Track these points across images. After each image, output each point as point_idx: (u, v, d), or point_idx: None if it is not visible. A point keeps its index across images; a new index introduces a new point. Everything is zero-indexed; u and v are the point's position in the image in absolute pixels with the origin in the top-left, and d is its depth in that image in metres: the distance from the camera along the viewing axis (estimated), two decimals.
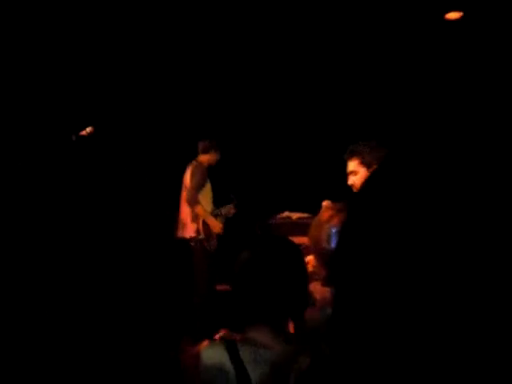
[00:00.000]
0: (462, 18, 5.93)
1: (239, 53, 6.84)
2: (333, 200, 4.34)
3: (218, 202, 6.20)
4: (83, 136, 5.35)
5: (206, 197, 5.99)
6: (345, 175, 4.15)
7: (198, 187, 5.92)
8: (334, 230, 2.90)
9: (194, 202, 5.89)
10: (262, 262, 1.94)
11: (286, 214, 6.15)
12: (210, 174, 6.14)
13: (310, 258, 2.90)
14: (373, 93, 6.66)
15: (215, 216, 6.02)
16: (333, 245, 2.85)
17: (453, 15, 5.84)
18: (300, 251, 2.11)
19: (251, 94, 7.21)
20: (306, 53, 6.76)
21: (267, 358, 1.79)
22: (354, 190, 4.11)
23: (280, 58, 6.89)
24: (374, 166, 3.87)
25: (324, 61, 6.81)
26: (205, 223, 5.91)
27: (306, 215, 5.80)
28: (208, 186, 6.04)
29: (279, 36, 6.54)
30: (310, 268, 2.91)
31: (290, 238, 2.31)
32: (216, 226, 5.93)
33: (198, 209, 5.87)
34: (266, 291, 1.91)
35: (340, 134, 6.28)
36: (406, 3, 5.83)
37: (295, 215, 6.07)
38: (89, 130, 5.45)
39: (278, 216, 6.04)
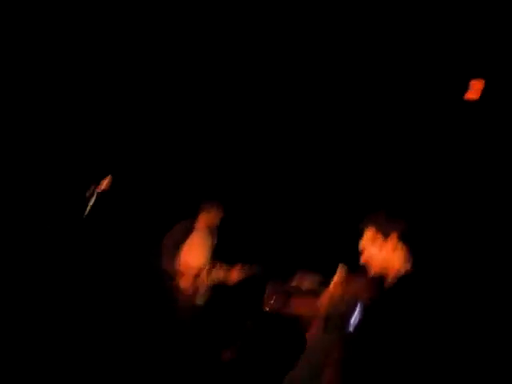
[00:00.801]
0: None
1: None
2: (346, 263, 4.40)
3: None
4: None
5: None
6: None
7: None
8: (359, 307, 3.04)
9: None
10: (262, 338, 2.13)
11: (299, 277, 6.20)
12: None
13: None
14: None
15: None
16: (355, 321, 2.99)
17: None
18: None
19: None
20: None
21: None
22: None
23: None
24: (392, 236, 3.87)
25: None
26: None
27: (317, 281, 5.82)
28: None
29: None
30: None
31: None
32: None
33: None
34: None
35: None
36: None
37: (308, 283, 6.08)
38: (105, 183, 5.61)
39: (289, 285, 6.08)
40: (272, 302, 5.20)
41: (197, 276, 5.84)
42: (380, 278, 3.38)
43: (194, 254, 5.92)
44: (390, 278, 3.50)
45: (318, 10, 6.33)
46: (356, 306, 3.11)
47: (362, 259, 3.83)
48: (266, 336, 2.29)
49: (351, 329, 2.86)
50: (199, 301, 5.87)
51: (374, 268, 3.61)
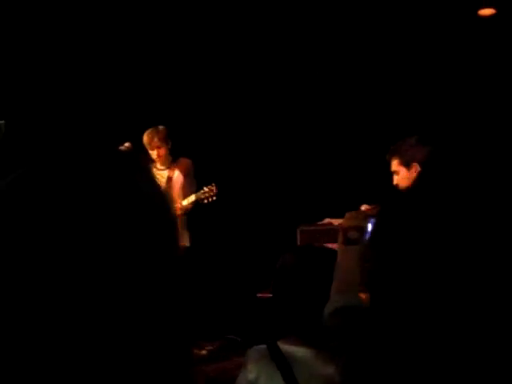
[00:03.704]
0: (495, 14, 5.87)
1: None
2: (371, 203, 4.35)
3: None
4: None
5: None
6: (384, 177, 4.16)
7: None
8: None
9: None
10: (300, 272, 1.96)
11: (327, 220, 6.11)
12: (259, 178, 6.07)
13: None
14: (410, 90, 6.61)
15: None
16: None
17: (486, 12, 5.78)
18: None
19: (290, 94, 7.21)
20: (348, 51, 6.76)
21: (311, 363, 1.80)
22: (399, 190, 4.11)
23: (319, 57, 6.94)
24: (413, 165, 3.90)
25: (362, 58, 6.73)
26: None
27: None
28: None
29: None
30: None
31: (332, 244, 2.34)
32: None
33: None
34: (302, 300, 1.93)
35: (379, 134, 6.22)
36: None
37: (336, 221, 6.02)
38: (127, 145, 5.50)
39: (319, 223, 6.01)
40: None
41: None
42: None
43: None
44: None
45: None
46: (369, 219, 3.06)
47: (395, 180, 4.05)
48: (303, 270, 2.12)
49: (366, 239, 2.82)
50: None
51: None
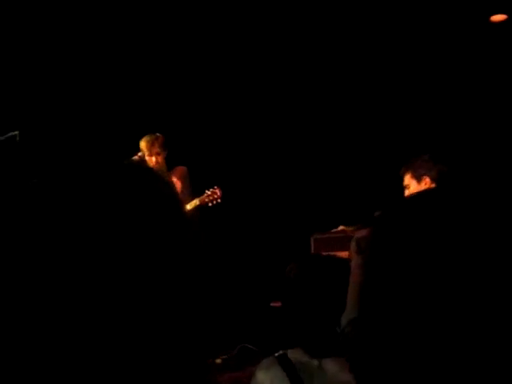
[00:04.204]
0: (506, 20, 5.86)
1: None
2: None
3: None
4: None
5: None
6: (398, 185, 4.23)
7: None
8: None
9: None
10: (302, 282, 1.95)
11: (341, 228, 6.10)
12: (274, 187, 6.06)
13: None
14: (423, 99, 6.59)
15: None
16: None
17: (498, 18, 5.77)
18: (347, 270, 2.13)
19: (309, 103, 7.20)
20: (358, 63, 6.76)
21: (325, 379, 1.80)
22: None
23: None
24: (424, 178, 4.01)
25: (375, 67, 6.74)
26: None
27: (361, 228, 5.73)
28: None
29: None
30: None
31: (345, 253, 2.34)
32: None
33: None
34: (306, 309, 1.92)
35: (394, 144, 6.22)
36: (451, 5, 5.80)
37: (350, 229, 6.01)
38: (140, 154, 5.52)
39: (333, 231, 5.99)
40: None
41: None
42: None
43: None
44: None
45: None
46: None
47: (406, 194, 4.16)
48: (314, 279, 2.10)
49: None
50: None
51: None
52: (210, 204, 5.44)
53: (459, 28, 5.96)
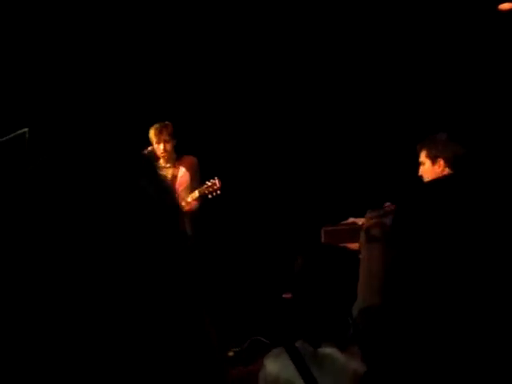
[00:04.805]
0: None
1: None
2: (394, 202, 4.37)
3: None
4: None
5: None
6: (408, 176, 4.24)
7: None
8: None
9: None
10: (308, 273, 1.96)
11: (351, 220, 6.09)
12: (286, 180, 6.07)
13: None
14: (430, 87, 6.57)
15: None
16: None
17: (506, 6, 5.74)
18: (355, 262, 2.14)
19: (315, 94, 7.21)
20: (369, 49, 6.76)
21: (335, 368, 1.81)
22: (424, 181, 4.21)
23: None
24: (439, 160, 4.03)
25: (381, 57, 6.73)
26: None
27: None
28: None
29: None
30: None
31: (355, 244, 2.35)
32: None
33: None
34: (313, 300, 1.92)
35: (403, 135, 6.20)
36: None
37: (360, 221, 6.00)
38: (150, 149, 5.53)
39: (343, 222, 5.99)
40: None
41: None
42: None
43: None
44: None
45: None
46: (390, 216, 3.14)
47: (420, 171, 4.27)
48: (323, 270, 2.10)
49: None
50: None
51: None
52: (209, 196, 5.43)
53: (467, 16, 5.94)
